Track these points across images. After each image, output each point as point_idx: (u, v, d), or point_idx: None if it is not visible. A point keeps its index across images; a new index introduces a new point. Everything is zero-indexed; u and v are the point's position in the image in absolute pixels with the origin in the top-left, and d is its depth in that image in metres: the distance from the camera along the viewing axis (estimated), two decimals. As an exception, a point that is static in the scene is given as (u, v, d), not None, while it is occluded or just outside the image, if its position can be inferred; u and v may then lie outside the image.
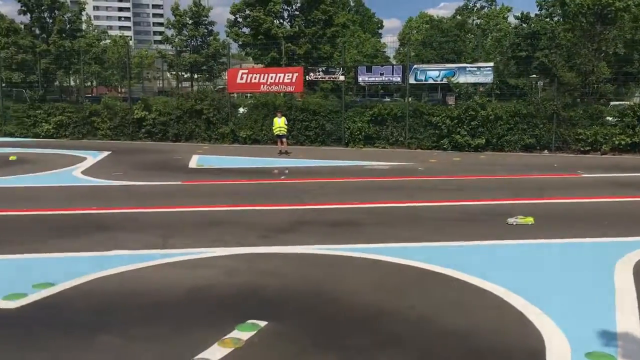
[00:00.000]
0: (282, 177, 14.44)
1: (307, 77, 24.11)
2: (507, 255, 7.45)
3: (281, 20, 39.54)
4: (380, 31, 70.87)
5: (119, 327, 5.00)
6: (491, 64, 23.50)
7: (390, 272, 6.61)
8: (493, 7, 51.57)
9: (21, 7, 31.86)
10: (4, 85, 30.77)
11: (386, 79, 23.58)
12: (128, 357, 4.46)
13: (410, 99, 23.95)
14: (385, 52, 59.25)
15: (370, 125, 22.49)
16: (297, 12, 39.05)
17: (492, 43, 42.04)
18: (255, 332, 4.86)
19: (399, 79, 23.12)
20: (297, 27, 38.05)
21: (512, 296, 5.70)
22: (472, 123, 21.12)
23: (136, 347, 4.61)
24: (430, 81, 23.48)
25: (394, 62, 45.30)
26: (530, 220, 9.02)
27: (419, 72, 22.59)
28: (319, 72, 25.08)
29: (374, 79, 23.80)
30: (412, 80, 22.62)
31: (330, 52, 38.00)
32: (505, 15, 49.91)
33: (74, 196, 11.86)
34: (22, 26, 32.75)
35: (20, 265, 6.89)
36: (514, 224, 8.95)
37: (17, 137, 26.91)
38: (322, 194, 12.07)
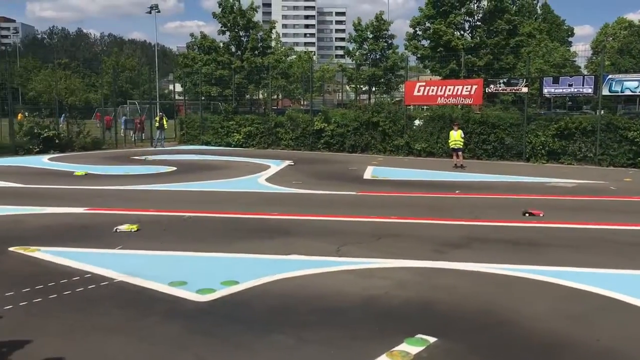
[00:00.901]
0: (457, 192, 14.09)
1: (486, 89, 23.34)
2: None
3: (462, 32, 38.78)
4: (570, 39, 66.18)
5: (293, 328, 5.24)
6: None
7: (570, 298, 6.12)
8: None
9: (221, 27, 35.16)
10: (203, 98, 34.13)
11: (575, 90, 21.94)
12: (300, 357, 4.65)
13: (602, 111, 22.01)
14: (575, 61, 55.16)
15: (555, 139, 21.07)
16: (479, 23, 38.01)
17: None
18: (424, 347, 4.79)
19: (589, 90, 21.37)
20: (478, 37, 37.04)
21: None
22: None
23: (308, 349, 4.80)
24: (628, 92, 21.33)
25: (585, 72, 41.93)
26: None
27: (614, 83, 20.67)
28: (499, 83, 24.16)
29: (561, 90, 22.30)
30: (605, 92, 20.78)
31: (513, 62, 36.35)
32: None
33: (258, 201, 12.73)
34: (221, 44, 36.09)
35: (211, 263, 7.56)
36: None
37: (212, 145, 29.66)
38: (498, 210, 11.56)
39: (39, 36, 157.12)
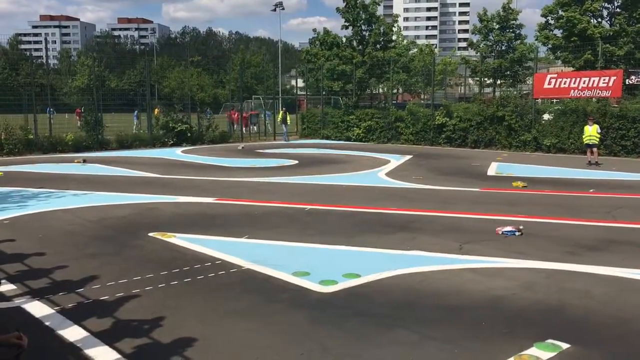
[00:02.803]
0: (591, 191, 13.19)
1: (627, 80, 21.58)
2: None
3: (599, 20, 36.15)
4: None
5: (416, 324, 5.18)
6: None
7: None
8: None
9: (344, 22, 35.50)
10: (324, 93, 34.71)
11: None
12: (423, 354, 4.59)
13: None
14: None
15: None
16: (619, 10, 35.21)
17: None
18: (555, 353, 4.54)
19: None
20: (617, 25, 34.33)
21: None
22: None
23: (431, 347, 4.72)
24: None
25: None
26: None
27: None
28: (642, 74, 22.21)
29: None
30: None
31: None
32: None
33: (378, 196, 12.73)
34: (344, 39, 36.44)
35: (333, 255, 7.68)
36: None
37: (332, 140, 30.10)
38: (637, 211, 10.67)
39: (173, 36, 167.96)
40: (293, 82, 63.16)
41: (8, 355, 2.79)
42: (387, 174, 16.34)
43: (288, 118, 31.49)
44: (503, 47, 41.33)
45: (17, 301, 5.70)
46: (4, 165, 18.28)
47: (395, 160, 19.82)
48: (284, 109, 32.82)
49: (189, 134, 27.01)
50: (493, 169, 17.53)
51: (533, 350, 4.58)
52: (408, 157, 21.09)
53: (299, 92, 42.91)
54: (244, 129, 32.27)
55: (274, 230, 8.98)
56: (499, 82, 41.72)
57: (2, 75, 59.01)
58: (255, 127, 34.40)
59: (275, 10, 62.53)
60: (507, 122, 23.87)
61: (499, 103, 24.83)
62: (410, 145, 26.71)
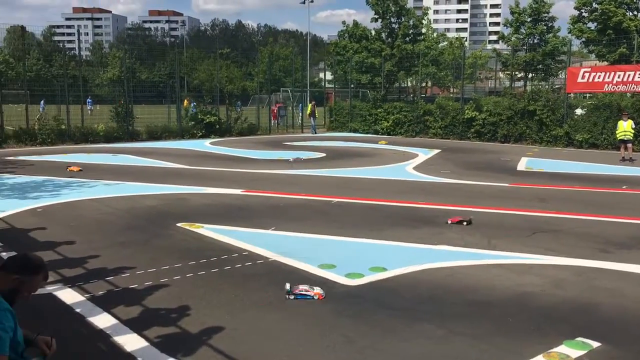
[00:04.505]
0: (624, 187, 12.90)
1: (664, 74, 21.01)
2: None
3: (635, 12, 35.24)
4: None
5: (441, 319, 5.14)
6: None
7: None
8: None
9: (374, 14, 35.25)
10: (352, 86, 34.58)
11: None
12: (449, 350, 4.55)
13: None
14: None
15: None
16: (656, 1, 34.28)
17: None
18: (585, 351, 4.46)
19: None
20: (654, 18, 33.44)
21: None
22: None
23: (458, 342, 4.68)
24: None
25: None
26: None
27: None
28: (680, 68, 21.59)
29: None
30: None
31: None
32: None
33: (406, 190, 12.65)
34: (372, 32, 36.21)
35: (359, 248, 7.66)
36: None
37: (359, 132, 30.00)
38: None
39: (203, 28, 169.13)
40: (321, 75, 63.09)
41: (33, 353, 2.85)
42: (415, 168, 16.23)
43: (316, 111, 31.46)
44: (535, 40, 40.59)
45: (49, 288, 5.82)
46: (39, 154, 18.66)
47: (424, 154, 19.67)
48: (312, 102, 32.81)
49: (217, 126, 27.20)
50: (523, 164, 17.27)
51: (562, 348, 4.51)
52: (436, 151, 20.91)
53: (327, 85, 42.80)
54: (272, 121, 32.35)
55: (300, 223, 9.00)
56: (530, 75, 41.04)
57: (36, 66, 60.20)
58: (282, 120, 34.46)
59: (304, 2, 62.51)
60: (539, 117, 23.47)
61: (530, 97, 24.41)
62: (438, 139, 26.47)
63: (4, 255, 6.97)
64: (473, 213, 9.89)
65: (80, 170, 14.68)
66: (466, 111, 25.89)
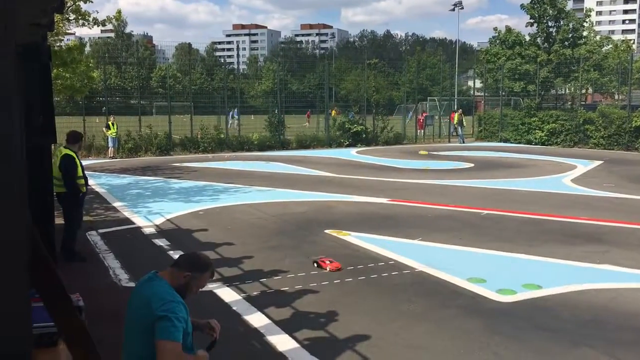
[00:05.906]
0: None
1: None
2: None
3: None
4: None
5: (605, 344, 4.74)
6: None
7: None
8: None
9: (529, 19, 33.58)
10: (503, 94, 33.20)
11: None
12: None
13: None
14: None
15: None
16: None
17: None
18: None
19: None
20: None
21: None
22: None
23: (625, 372, 4.27)
24: None
25: None
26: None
27: None
28: None
29: None
30: None
31: None
32: None
33: (564, 203, 11.84)
34: (527, 37, 34.50)
35: (511, 263, 7.30)
36: None
37: (510, 142, 28.68)
38: None
39: (351, 39, 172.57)
40: (470, 83, 61.30)
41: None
42: (574, 180, 15.15)
43: (464, 120, 30.63)
44: None
45: (210, 286, 6.24)
46: (199, 161, 20.20)
47: (583, 166, 18.29)
48: (459, 110, 32.00)
49: (363, 135, 27.53)
50: (702, 179, 15.40)
51: None
52: (598, 162, 19.34)
53: (476, 93, 41.53)
54: (419, 131, 32.05)
55: (447, 234, 8.79)
56: None
57: (199, 80, 65.28)
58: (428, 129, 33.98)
59: (454, 9, 61.35)
60: None
61: None
62: (600, 149, 24.47)
63: (171, 253, 7.62)
64: (642, 231, 9.01)
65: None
66: (634, 119, 23.68)
